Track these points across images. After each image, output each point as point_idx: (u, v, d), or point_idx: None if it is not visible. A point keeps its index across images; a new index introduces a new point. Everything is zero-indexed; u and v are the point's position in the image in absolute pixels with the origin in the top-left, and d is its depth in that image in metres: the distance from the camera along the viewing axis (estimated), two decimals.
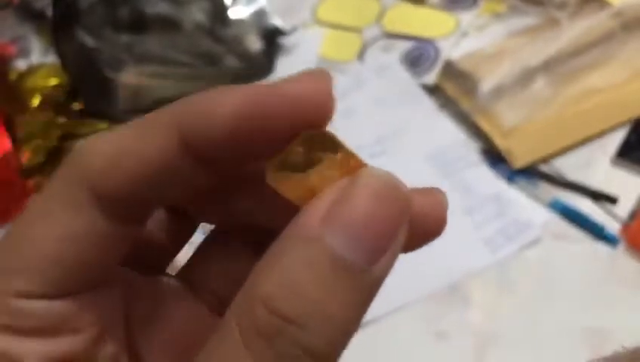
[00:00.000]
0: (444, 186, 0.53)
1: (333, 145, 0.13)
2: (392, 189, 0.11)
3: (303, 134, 0.12)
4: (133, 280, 0.15)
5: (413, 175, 0.51)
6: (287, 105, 0.12)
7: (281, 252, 0.11)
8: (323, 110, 0.12)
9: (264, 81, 0.13)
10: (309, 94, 0.12)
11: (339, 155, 0.12)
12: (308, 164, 0.12)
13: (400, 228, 0.11)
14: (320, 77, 0.12)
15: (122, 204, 0.13)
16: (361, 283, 0.11)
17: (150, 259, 0.16)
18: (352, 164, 0.13)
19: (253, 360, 0.11)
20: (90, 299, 0.14)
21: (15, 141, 0.56)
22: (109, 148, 0.13)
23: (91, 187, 0.13)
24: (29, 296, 0.13)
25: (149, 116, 0.13)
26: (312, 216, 0.11)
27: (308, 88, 0.12)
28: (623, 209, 0.48)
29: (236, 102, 0.12)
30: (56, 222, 0.13)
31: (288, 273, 0.11)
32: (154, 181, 0.13)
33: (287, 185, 0.12)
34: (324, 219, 0.11)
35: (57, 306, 0.13)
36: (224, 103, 0.12)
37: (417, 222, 0.13)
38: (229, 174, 0.14)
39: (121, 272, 0.15)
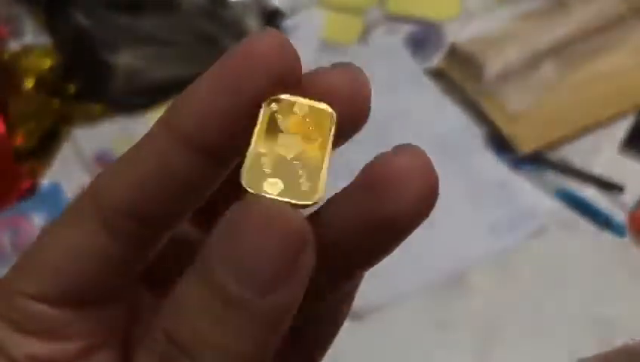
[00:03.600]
0: (448, 173, 0.51)
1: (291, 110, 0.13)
2: (278, 217, 0.11)
3: (264, 109, 0.12)
4: (142, 300, 0.15)
5: None
6: (250, 62, 0.12)
7: (182, 283, 0.12)
8: (288, 61, 0.12)
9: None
10: (270, 47, 0.12)
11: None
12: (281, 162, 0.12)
13: (296, 257, 0.11)
14: (272, 34, 0.12)
15: (126, 221, 0.13)
16: (255, 316, 0.11)
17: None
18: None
19: None
20: (89, 312, 0.14)
21: (8, 124, 0.54)
22: (114, 163, 0.13)
23: (97, 203, 0.13)
24: (32, 297, 0.13)
25: None
26: (210, 247, 0.11)
27: (266, 43, 0.12)
28: (630, 197, 0.48)
29: (208, 74, 0.13)
30: (67, 234, 0.13)
31: (185, 306, 0.11)
32: (155, 187, 0.13)
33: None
34: (218, 251, 0.11)
35: (55, 313, 0.14)
36: (199, 82, 0.13)
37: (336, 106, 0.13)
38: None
39: (132, 290, 0.15)
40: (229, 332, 0.11)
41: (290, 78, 0.12)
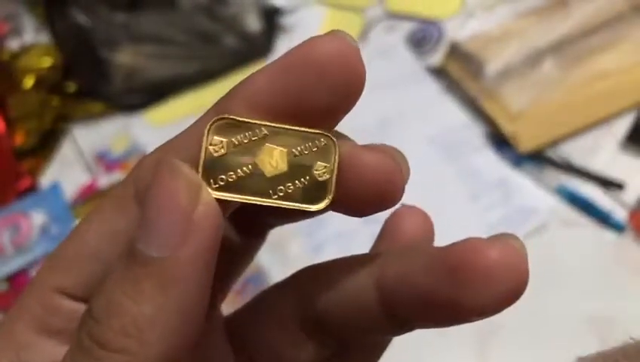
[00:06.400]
0: (448, 171, 0.51)
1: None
2: (169, 174, 0.11)
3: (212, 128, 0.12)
4: None
5: (417, 160, 0.50)
6: (314, 65, 0.12)
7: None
8: (353, 71, 0.12)
9: (270, 59, 0.13)
10: (338, 51, 0.12)
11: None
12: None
13: (188, 212, 0.11)
14: (341, 36, 0.12)
15: None
16: (154, 275, 0.11)
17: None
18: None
19: (66, 353, 0.11)
20: None
21: (8, 122, 0.54)
22: (158, 148, 0.13)
23: (139, 186, 0.13)
24: (63, 291, 0.13)
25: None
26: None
27: (333, 49, 0.12)
28: (631, 195, 0.48)
29: (267, 68, 0.12)
30: (103, 219, 0.13)
31: (108, 278, 0.11)
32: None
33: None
34: (140, 218, 0.11)
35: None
36: (256, 80, 0.12)
37: (362, 182, 0.12)
38: None
39: None
40: (132, 293, 0.11)
41: (348, 90, 0.12)
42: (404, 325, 0.13)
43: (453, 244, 0.12)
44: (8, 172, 0.52)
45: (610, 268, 0.45)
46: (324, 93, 0.12)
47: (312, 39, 0.12)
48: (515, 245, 0.12)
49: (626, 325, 0.41)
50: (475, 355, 0.42)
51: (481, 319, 0.12)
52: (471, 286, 0.11)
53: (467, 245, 0.12)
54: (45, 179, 0.53)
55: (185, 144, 0.13)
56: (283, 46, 0.60)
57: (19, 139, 0.54)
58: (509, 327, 0.42)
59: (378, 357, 0.16)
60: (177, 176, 0.11)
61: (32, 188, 0.52)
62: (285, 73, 0.12)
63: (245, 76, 0.12)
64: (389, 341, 0.16)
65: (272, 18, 0.61)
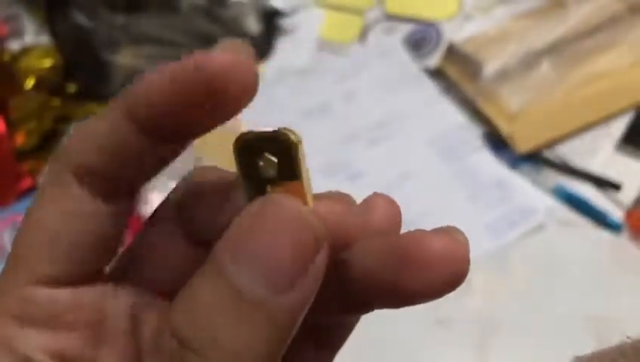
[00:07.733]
0: (446, 172, 0.52)
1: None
2: (296, 220, 0.11)
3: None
4: (149, 305, 0.15)
5: (415, 160, 0.51)
6: (203, 80, 0.12)
7: (194, 282, 0.12)
8: (242, 85, 0.13)
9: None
10: (226, 67, 0.12)
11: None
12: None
13: (310, 260, 0.11)
14: (238, 50, 0.13)
15: (98, 180, 0.13)
16: (265, 316, 0.11)
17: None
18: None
19: None
20: (94, 296, 0.14)
21: (9, 123, 0.55)
22: (82, 130, 0.14)
23: (71, 166, 0.13)
24: (34, 282, 0.13)
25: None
26: (223, 246, 0.12)
27: (225, 62, 0.13)
28: (627, 195, 0.48)
29: (162, 77, 0.13)
30: (52, 203, 0.13)
31: (196, 305, 0.11)
32: (116, 156, 0.13)
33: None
34: (231, 251, 0.11)
35: (60, 295, 0.13)
36: (154, 77, 0.13)
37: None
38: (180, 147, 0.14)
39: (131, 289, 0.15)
40: (243, 332, 0.11)
41: (237, 98, 0.13)
42: (363, 306, 0.14)
43: (402, 235, 0.13)
44: (9, 173, 0.53)
45: (607, 267, 0.45)
46: (205, 98, 0.12)
47: (209, 51, 0.13)
48: (458, 237, 0.13)
49: (623, 324, 0.41)
50: (474, 354, 0.42)
51: (426, 302, 0.13)
52: (415, 273, 0.12)
53: (413, 236, 0.13)
54: None
55: (100, 133, 0.13)
56: (283, 47, 0.60)
57: (19, 140, 0.54)
58: (507, 326, 0.43)
59: (344, 340, 0.16)
60: (305, 226, 0.11)
61: (33, 189, 0.53)
62: (177, 79, 0.13)
63: None
64: (354, 324, 0.16)
65: (271, 20, 0.61)
